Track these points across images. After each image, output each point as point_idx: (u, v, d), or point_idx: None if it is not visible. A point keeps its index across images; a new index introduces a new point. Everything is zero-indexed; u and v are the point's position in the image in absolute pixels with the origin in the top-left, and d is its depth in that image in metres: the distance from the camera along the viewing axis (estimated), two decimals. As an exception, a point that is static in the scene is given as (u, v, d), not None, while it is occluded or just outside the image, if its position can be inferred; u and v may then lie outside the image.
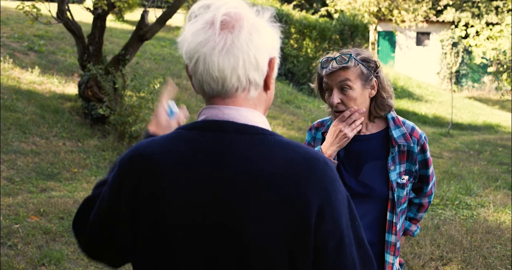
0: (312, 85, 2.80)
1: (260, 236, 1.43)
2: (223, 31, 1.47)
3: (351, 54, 2.56)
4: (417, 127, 2.72)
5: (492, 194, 8.14)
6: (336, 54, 2.60)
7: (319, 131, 2.84)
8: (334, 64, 2.55)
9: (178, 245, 1.49)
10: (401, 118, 2.73)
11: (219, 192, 1.45)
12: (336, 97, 2.58)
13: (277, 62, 1.60)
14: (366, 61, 2.60)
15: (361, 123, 2.62)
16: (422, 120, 18.57)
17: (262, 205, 1.43)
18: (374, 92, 2.62)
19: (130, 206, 1.54)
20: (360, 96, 2.58)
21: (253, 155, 1.46)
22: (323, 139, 2.80)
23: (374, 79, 2.60)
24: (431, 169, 2.78)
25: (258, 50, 1.49)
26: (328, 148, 2.62)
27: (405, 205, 2.72)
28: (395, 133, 2.64)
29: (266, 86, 1.58)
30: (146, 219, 1.52)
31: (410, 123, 2.72)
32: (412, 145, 2.64)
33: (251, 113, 1.54)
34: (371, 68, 2.60)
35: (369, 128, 2.73)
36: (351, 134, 2.59)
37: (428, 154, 2.73)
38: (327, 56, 2.62)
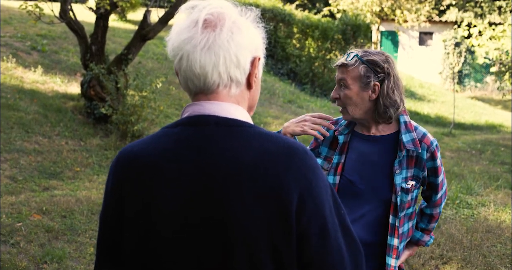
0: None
1: (244, 226, 1.47)
2: (205, 29, 1.53)
3: (356, 54, 2.58)
4: (428, 134, 2.70)
5: (493, 193, 8.14)
6: (356, 51, 2.63)
7: (330, 130, 2.84)
8: (342, 59, 2.60)
9: (166, 236, 1.53)
10: (413, 123, 2.71)
11: (203, 184, 1.49)
12: (334, 92, 2.64)
13: (261, 62, 1.65)
14: (372, 64, 2.57)
15: (319, 137, 2.66)
16: (424, 120, 18.56)
17: (244, 195, 1.47)
18: (374, 96, 2.60)
19: (119, 204, 1.59)
20: (356, 96, 2.59)
21: (234, 146, 1.50)
22: (334, 138, 2.83)
23: (376, 83, 2.57)
24: (440, 178, 2.76)
25: (239, 49, 1.54)
26: (287, 126, 2.67)
27: (410, 210, 2.71)
28: (405, 137, 2.63)
29: (249, 85, 1.62)
30: (134, 216, 1.56)
31: (422, 129, 2.71)
32: (420, 151, 2.63)
33: (233, 107, 1.58)
34: (376, 72, 2.57)
35: (380, 130, 2.72)
36: (308, 129, 2.61)
37: (439, 162, 2.71)
38: (349, 52, 2.66)
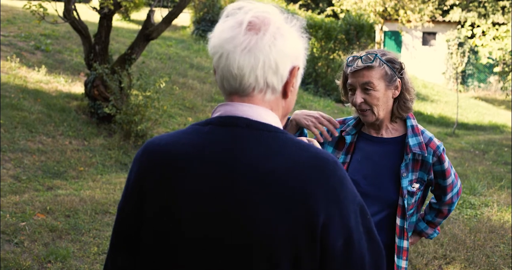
0: (338, 82, 2.83)
1: (266, 234, 1.45)
2: (249, 31, 1.51)
3: (376, 54, 2.60)
4: (435, 139, 2.72)
5: (496, 194, 8.14)
6: (362, 53, 2.64)
7: (338, 129, 2.84)
8: (359, 63, 2.58)
9: (187, 236, 1.52)
10: (420, 128, 2.74)
11: (227, 186, 1.48)
12: (359, 97, 2.62)
13: (300, 72, 1.63)
14: (391, 62, 2.63)
15: (322, 140, 2.67)
16: (428, 120, 18.55)
17: (269, 202, 1.45)
18: (397, 93, 2.65)
19: (140, 197, 1.59)
20: (383, 96, 2.61)
21: (263, 151, 1.49)
22: (341, 138, 2.84)
23: (398, 80, 2.64)
24: (449, 180, 2.77)
25: (279, 55, 1.53)
26: (297, 114, 2.71)
27: (412, 210, 2.72)
28: (411, 141, 2.65)
29: (284, 93, 1.60)
30: (156, 211, 1.55)
31: (429, 134, 2.73)
32: (426, 155, 2.65)
33: (265, 112, 1.57)
34: (395, 69, 2.63)
35: (388, 132, 2.75)
36: (312, 127, 2.64)
37: (446, 164, 2.72)
38: (353, 55, 2.66)
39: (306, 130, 2.83)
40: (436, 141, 2.71)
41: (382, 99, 2.62)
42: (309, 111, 2.69)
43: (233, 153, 1.50)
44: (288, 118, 2.74)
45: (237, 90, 1.56)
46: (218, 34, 1.55)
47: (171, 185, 1.53)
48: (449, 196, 2.85)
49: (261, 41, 1.51)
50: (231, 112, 1.55)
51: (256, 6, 1.57)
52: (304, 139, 1.90)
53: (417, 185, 2.67)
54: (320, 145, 2.91)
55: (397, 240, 2.68)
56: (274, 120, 1.58)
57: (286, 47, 1.54)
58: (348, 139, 2.78)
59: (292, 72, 1.58)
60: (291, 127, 2.73)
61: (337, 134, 2.67)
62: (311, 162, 1.49)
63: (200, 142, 1.54)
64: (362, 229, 1.55)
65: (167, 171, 1.54)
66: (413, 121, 2.74)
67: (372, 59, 2.58)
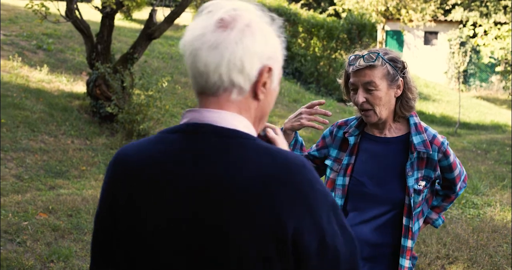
0: (339, 81, 2.82)
1: (235, 242, 1.43)
2: (219, 29, 1.48)
3: (378, 53, 2.58)
4: (438, 135, 2.72)
5: (498, 193, 8.14)
6: (364, 52, 2.63)
7: (341, 130, 2.85)
8: (361, 62, 2.57)
9: (155, 241, 1.50)
10: (423, 125, 2.73)
11: (192, 196, 1.46)
12: (361, 97, 2.60)
13: (275, 73, 1.56)
14: (393, 61, 2.62)
15: (315, 125, 2.67)
16: (430, 119, 18.53)
17: (236, 211, 1.42)
18: (399, 92, 2.64)
19: (112, 205, 1.58)
20: (385, 95, 2.60)
21: (229, 159, 1.45)
22: (343, 139, 2.83)
23: (401, 79, 2.63)
24: (456, 171, 2.77)
25: (246, 53, 1.48)
26: (286, 123, 2.72)
27: (419, 209, 2.72)
28: (415, 139, 2.65)
29: (255, 94, 1.54)
30: (125, 222, 1.55)
31: (432, 130, 2.72)
32: (431, 152, 2.64)
33: (232, 117, 1.52)
34: (398, 68, 2.62)
35: (391, 132, 2.74)
36: (306, 122, 2.64)
37: (452, 158, 2.72)
38: (355, 54, 2.64)
39: (299, 137, 2.85)
40: (440, 137, 2.71)
41: (385, 99, 2.60)
42: (293, 114, 2.70)
43: (198, 162, 1.47)
44: (282, 130, 2.73)
45: (204, 89, 1.52)
46: (190, 32, 1.52)
47: (140, 196, 1.52)
48: (458, 186, 2.86)
49: (227, 37, 1.47)
50: (197, 119, 1.52)
51: (232, 3, 1.53)
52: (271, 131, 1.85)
53: (423, 183, 2.66)
54: (325, 146, 2.91)
55: (401, 239, 2.67)
56: (243, 124, 1.53)
57: (255, 46, 1.49)
58: (352, 140, 2.77)
59: (262, 72, 1.52)
60: (287, 137, 2.73)
61: (330, 114, 2.68)
62: (278, 167, 1.45)
63: (166, 151, 1.52)
64: (336, 226, 1.52)
65: (135, 182, 1.53)
66: (415, 119, 2.73)
67: (375, 58, 2.56)
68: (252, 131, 1.56)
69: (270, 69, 1.53)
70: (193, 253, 1.46)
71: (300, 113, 2.67)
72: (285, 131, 2.72)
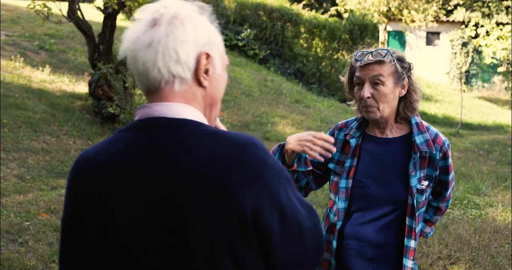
0: (342, 79, 2.81)
1: (199, 228, 1.46)
2: (151, 28, 1.54)
3: (388, 50, 2.60)
4: (440, 134, 2.73)
5: (500, 194, 8.14)
6: (372, 49, 2.64)
7: (342, 132, 2.84)
8: (370, 57, 2.57)
9: (122, 243, 1.53)
10: (425, 124, 2.74)
11: (153, 189, 1.49)
12: (367, 91, 2.59)
13: (216, 59, 1.61)
14: (400, 60, 2.63)
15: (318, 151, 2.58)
16: (432, 120, 18.51)
17: (195, 198, 1.46)
18: (404, 92, 2.65)
19: (76, 209, 1.60)
20: (390, 93, 2.60)
21: (182, 149, 1.49)
22: (345, 141, 2.82)
23: (406, 79, 2.64)
24: (451, 175, 2.78)
25: (178, 43, 1.53)
26: (289, 142, 2.64)
27: (423, 209, 2.72)
28: (418, 139, 2.65)
29: (198, 82, 1.59)
30: (90, 222, 1.57)
31: (434, 129, 2.73)
32: (434, 151, 2.65)
33: (180, 107, 1.57)
34: (404, 68, 2.63)
35: (393, 132, 2.74)
36: (308, 151, 2.57)
37: (450, 160, 2.73)
38: (362, 50, 2.65)
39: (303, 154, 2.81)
40: (442, 137, 2.72)
41: (389, 96, 2.61)
42: (301, 135, 2.63)
43: (154, 155, 1.51)
44: (283, 146, 2.71)
45: (148, 87, 1.58)
46: (126, 38, 1.59)
47: (103, 196, 1.55)
48: (449, 191, 2.86)
49: (158, 33, 1.53)
50: (148, 114, 1.56)
51: (160, 3, 1.60)
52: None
53: (426, 182, 2.67)
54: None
55: (405, 239, 2.67)
56: (192, 113, 1.58)
57: (186, 34, 1.54)
58: (353, 142, 2.76)
59: (199, 59, 1.57)
60: (288, 156, 2.69)
61: (334, 150, 2.58)
62: (229, 149, 1.49)
63: (122, 149, 1.55)
64: (295, 200, 1.57)
65: (97, 182, 1.56)
66: (417, 119, 2.74)
67: (384, 54, 2.58)
68: (202, 119, 1.60)
69: (208, 56, 1.58)
70: (160, 245, 1.50)
71: (306, 140, 2.59)
72: (286, 151, 2.69)
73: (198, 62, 1.57)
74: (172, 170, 1.48)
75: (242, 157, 1.49)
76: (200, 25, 1.59)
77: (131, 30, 1.58)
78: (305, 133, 2.62)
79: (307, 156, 2.79)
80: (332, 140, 2.59)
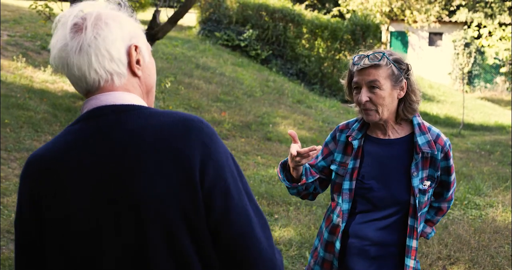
0: (342, 82, 2.83)
1: (155, 201, 1.51)
2: (76, 34, 1.59)
3: (384, 53, 2.60)
4: (442, 135, 2.73)
5: (501, 194, 8.13)
6: (369, 52, 2.64)
7: (343, 134, 2.85)
8: (366, 61, 2.58)
9: (83, 229, 1.55)
10: (426, 125, 2.75)
11: (111, 171, 1.54)
12: (364, 95, 2.61)
13: (143, 48, 1.69)
14: (398, 62, 2.63)
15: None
16: (434, 120, 18.51)
17: (151, 171, 1.52)
18: (403, 94, 2.66)
19: (35, 207, 1.61)
20: (388, 96, 2.61)
21: (133, 128, 1.55)
22: (347, 143, 2.83)
23: (404, 81, 2.64)
24: (453, 176, 2.79)
25: (108, 43, 1.60)
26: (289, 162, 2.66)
27: (425, 209, 2.74)
28: (420, 140, 2.66)
29: (133, 73, 1.67)
30: (52, 216, 1.58)
31: (435, 130, 2.74)
32: (436, 152, 2.66)
33: (124, 94, 1.63)
34: (402, 70, 2.63)
35: (395, 133, 2.75)
36: (304, 160, 2.56)
37: (451, 161, 2.74)
38: (359, 54, 2.66)
39: (306, 164, 2.81)
40: (444, 137, 2.73)
41: (388, 99, 2.61)
42: (289, 156, 2.61)
43: (108, 139, 1.56)
44: (285, 163, 2.77)
45: (87, 89, 1.64)
46: (53, 46, 1.63)
47: (60, 189, 1.57)
48: (450, 192, 2.87)
49: (86, 37, 1.58)
50: (96, 104, 1.61)
51: (77, 7, 1.65)
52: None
53: (428, 183, 2.68)
54: (329, 152, 2.90)
55: (406, 239, 2.69)
56: (136, 100, 1.65)
57: (113, 33, 1.61)
58: (355, 143, 2.77)
59: (129, 52, 1.64)
60: (293, 173, 2.73)
61: (316, 149, 2.51)
62: (179, 124, 1.57)
63: (74, 140, 1.59)
64: (242, 187, 1.61)
65: (52, 177, 1.58)
66: (419, 119, 2.75)
67: (380, 58, 2.58)
68: (145, 104, 1.68)
69: (136, 47, 1.66)
70: (118, 226, 1.54)
71: (294, 156, 2.55)
72: (289, 169, 2.74)
73: (129, 55, 1.64)
74: (123, 151, 1.53)
75: (191, 130, 1.57)
76: (123, 21, 1.66)
77: (55, 39, 1.62)
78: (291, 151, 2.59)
79: (309, 167, 2.83)
80: (314, 147, 2.57)
